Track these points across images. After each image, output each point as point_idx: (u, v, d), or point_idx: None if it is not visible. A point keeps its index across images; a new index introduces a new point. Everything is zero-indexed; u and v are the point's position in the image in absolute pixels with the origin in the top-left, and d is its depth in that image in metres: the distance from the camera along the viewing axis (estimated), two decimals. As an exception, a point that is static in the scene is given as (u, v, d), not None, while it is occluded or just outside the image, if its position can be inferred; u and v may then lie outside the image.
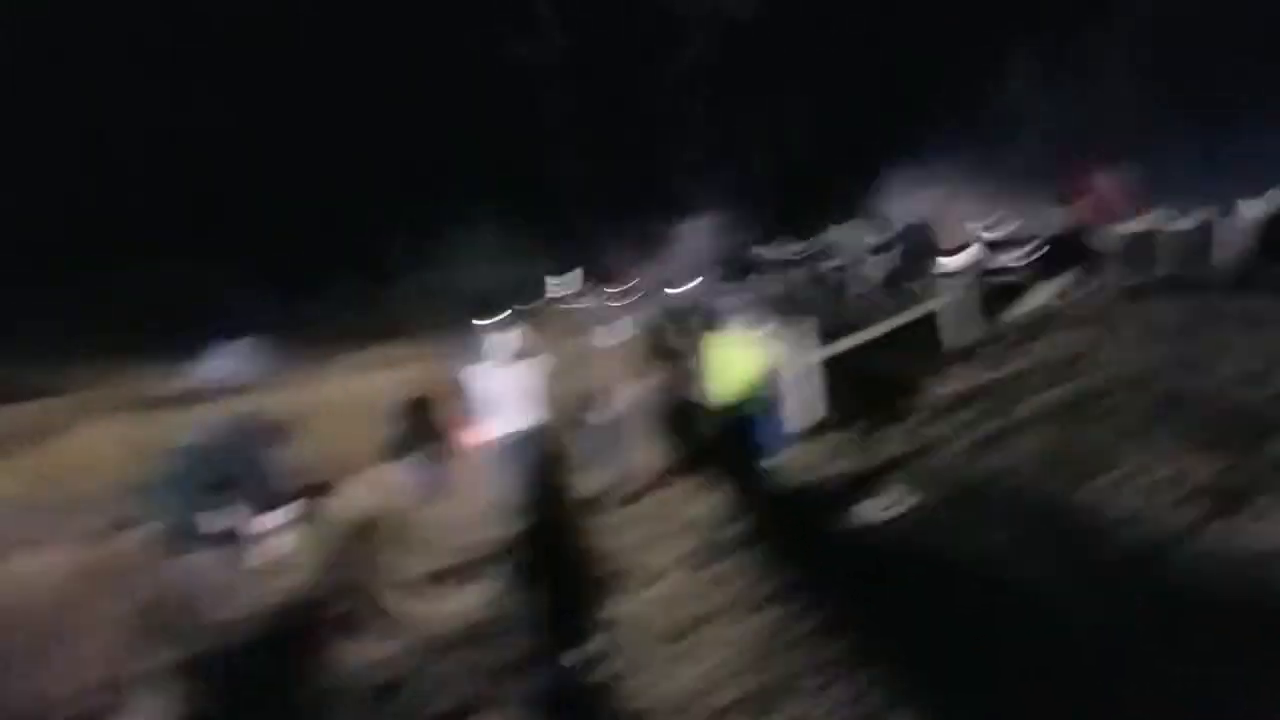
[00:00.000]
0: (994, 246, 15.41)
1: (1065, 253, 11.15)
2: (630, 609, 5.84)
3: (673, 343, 22.41)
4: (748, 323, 8.03)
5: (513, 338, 8.48)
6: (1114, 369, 7.41)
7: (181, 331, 54.97)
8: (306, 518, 8.35)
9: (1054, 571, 4.71)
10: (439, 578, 7.11)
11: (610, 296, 38.75)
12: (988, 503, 5.93)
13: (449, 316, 52.89)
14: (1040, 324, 9.81)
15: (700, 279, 25.22)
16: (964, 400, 8.23)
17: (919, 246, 17.78)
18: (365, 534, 8.74)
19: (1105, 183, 10.90)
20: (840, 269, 18.03)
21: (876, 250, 18.58)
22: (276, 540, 8.31)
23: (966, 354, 9.94)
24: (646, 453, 10.55)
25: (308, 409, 26.60)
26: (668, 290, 30.64)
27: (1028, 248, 13.50)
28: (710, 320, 8.15)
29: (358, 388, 26.14)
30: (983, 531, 5.46)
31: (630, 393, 9.59)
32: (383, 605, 6.70)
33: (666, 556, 6.63)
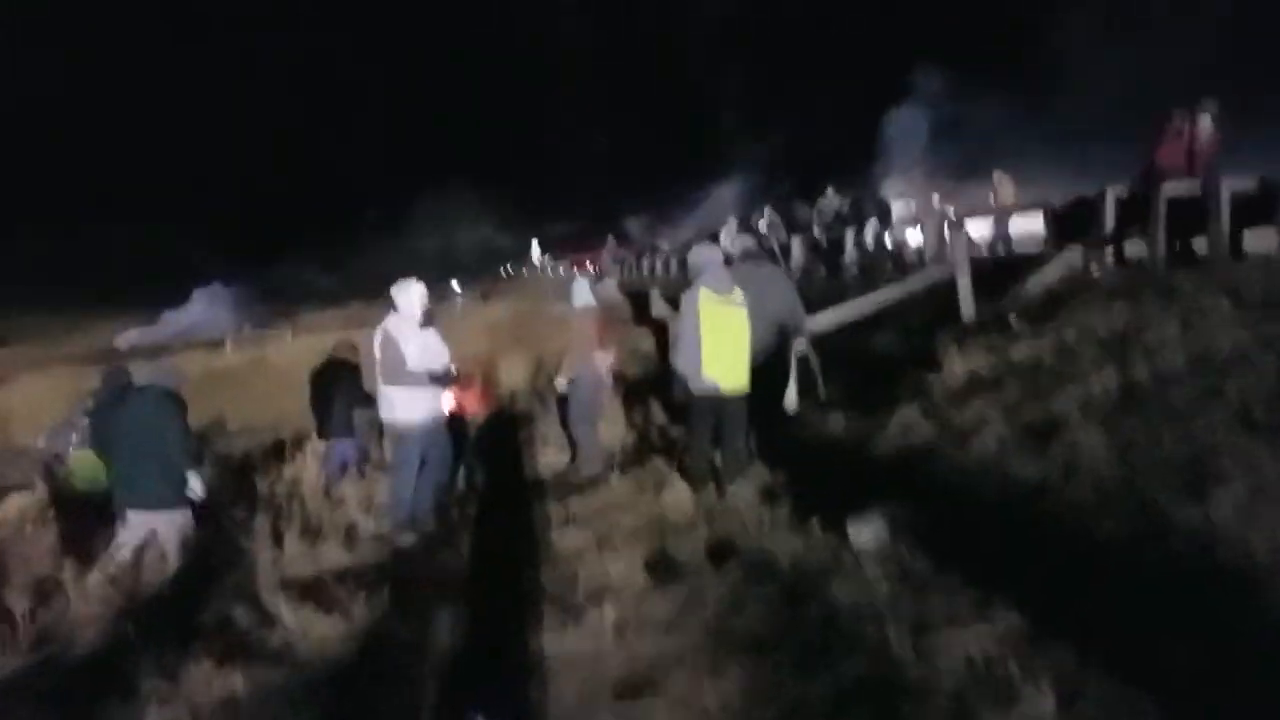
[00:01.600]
0: (1000, 217, 14.00)
1: (1097, 217, 9.67)
2: (573, 644, 4.40)
3: (656, 308, 20.83)
4: (727, 287, 6.57)
5: (416, 297, 7.01)
6: (1168, 351, 6.00)
7: (145, 287, 53.58)
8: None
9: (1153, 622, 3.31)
10: (324, 584, 5.58)
11: (584, 261, 37.15)
12: (1035, 512, 4.55)
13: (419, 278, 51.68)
14: (1069, 297, 8.39)
15: (693, 241, 23.73)
16: (988, 382, 6.83)
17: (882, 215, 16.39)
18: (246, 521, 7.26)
19: (1192, 128, 9.33)
20: (833, 237, 16.37)
21: (845, 219, 17.07)
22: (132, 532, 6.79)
23: (982, 328, 8.54)
24: (614, 430, 9.15)
25: (243, 369, 25.26)
26: (657, 253, 29.11)
27: (1041, 214, 12.10)
28: (687, 283, 6.76)
29: (298, 349, 24.84)
30: (1040, 551, 4.07)
31: (599, 361, 8.13)
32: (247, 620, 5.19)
33: (626, 567, 5.21)
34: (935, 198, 17.68)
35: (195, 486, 6.76)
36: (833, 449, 6.75)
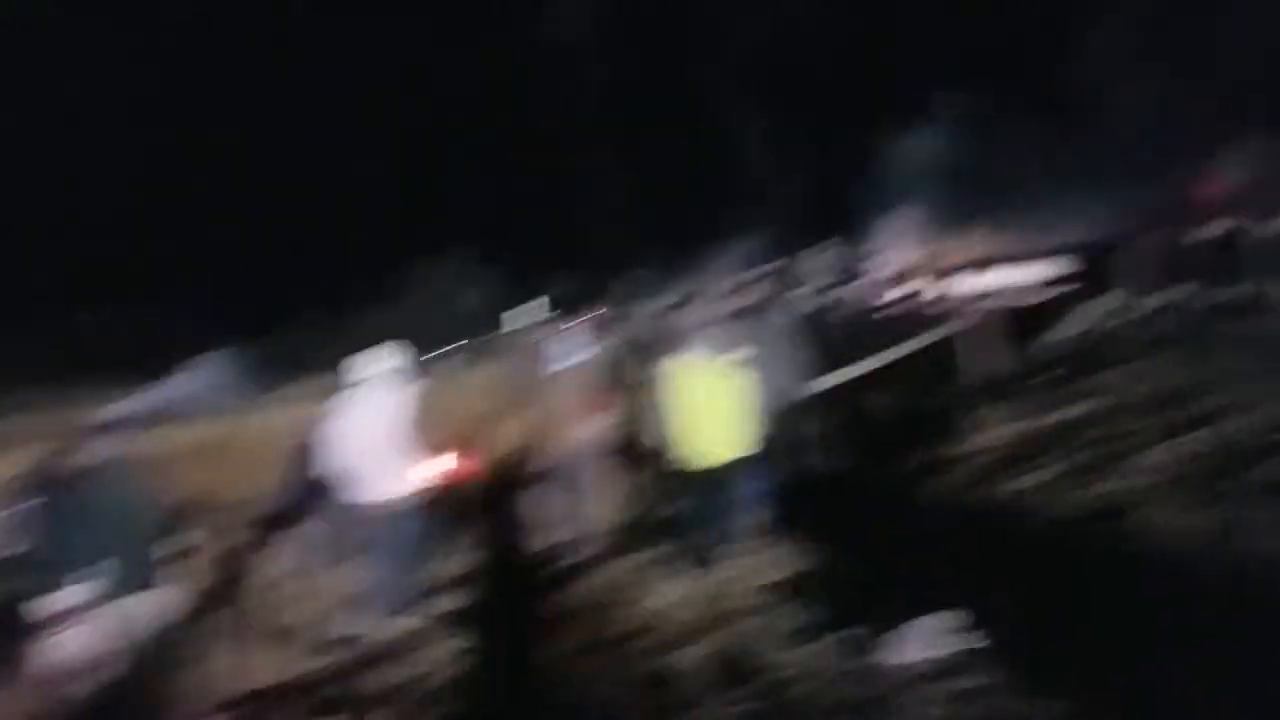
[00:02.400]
0: (1005, 263, 13.21)
1: (1120, 264, 8.82)
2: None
3: (633, 375, 19.88)
4: (722, 349, 5.74)
5: (386, 366, 6.05)
6: (1238, 410, 5.09)
7: (131, 364, 52.88)
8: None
9: None
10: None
11: (575, 326, 36.47)
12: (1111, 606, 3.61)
13: (409, 348, 51.15)
14: (1106, 347, 7.49)
15: (676, 301, 22.78)
16: (1022, 449, 5.90)
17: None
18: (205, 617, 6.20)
19: (1220, 177, 8.58)
20: (818, 292, 15.50)
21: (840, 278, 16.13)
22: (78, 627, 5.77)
23: (1001, 389, 7.62)
24: (599, 512, 8.15)
25: (220, 442, 24.37)
26: (642, 316, 28.32)
27: (1058, 262, 11.28)
28: (679, 346, 5.96)
29: (277, 422, 23.93)
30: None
31: (585, 434, 7.12)
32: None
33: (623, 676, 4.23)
34: (935, 246, 16.93)
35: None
36: (860, 529, 5.77)
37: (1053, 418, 6.25)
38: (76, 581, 5.69)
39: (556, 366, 7.20)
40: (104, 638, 5.66)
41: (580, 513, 7.27)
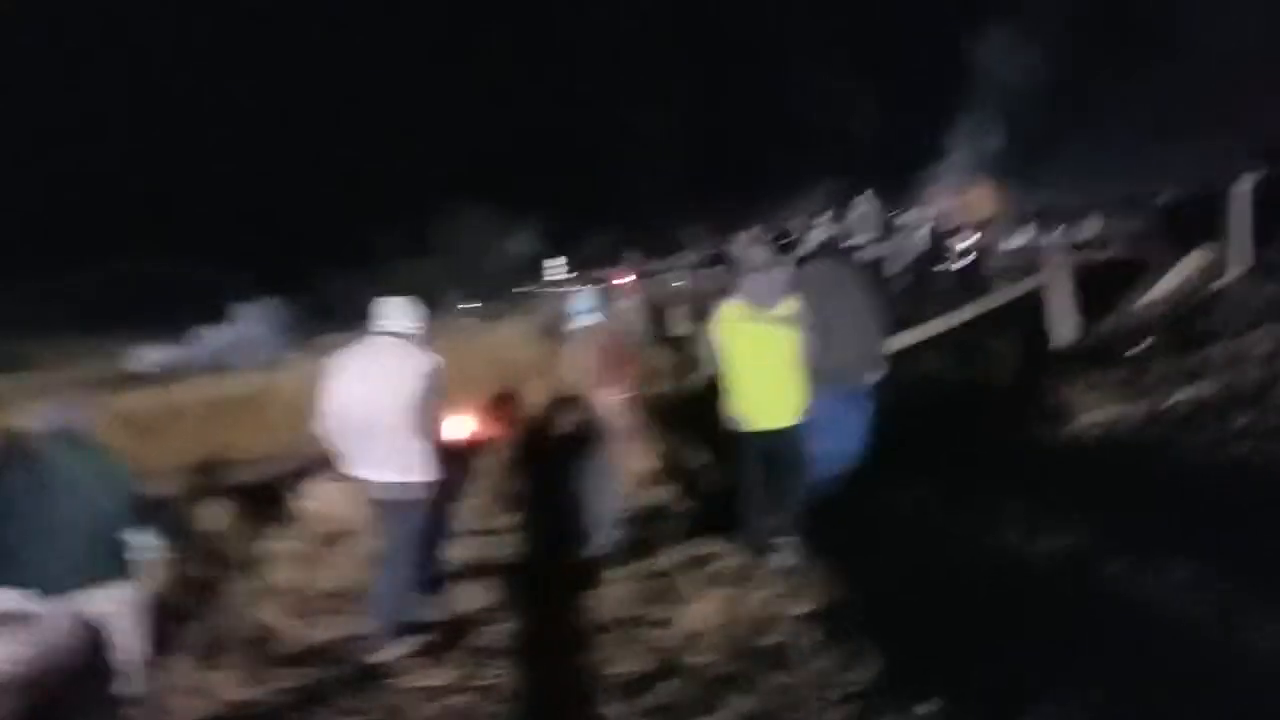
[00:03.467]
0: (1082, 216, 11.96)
1: (1226, 212, 7.56)
2: None
3: (674, 330, 18.71)
4: (777, 302, 4.66)
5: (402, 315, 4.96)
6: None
7: (163, 318, 52.49)
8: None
9: None
10: None
11: (611, 278, 35.17)
12: None
13: (433, 302, 49.93)
14: (1203, 315, 6.40)
15: (724, 250, 21.25)
16: (1137, 436, 4.88)
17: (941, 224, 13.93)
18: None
19: None
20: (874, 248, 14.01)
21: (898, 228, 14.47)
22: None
23: (1097, 359, 6.57)
24: (633, 480, 7.22)
25: (250, 396, 23.74)
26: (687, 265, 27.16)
27: (1143, 214, 10.04)
28: (729, 298, 4.93)
29: (308, 375, 23.04)
30: None
31: (607, 399, 6.12)
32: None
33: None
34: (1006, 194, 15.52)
35: (147, 544, 4.82)
36: (926, 544, 4.72)
37: (1154, 402, 5.20)
38: (18, 575, 4.90)
39: (588, 321, 6.23)
40: (41, 644, 4.87)
41: (611, 483, 6.37)
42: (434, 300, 45.86)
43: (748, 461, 4.77)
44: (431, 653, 4.30)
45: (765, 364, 4.62)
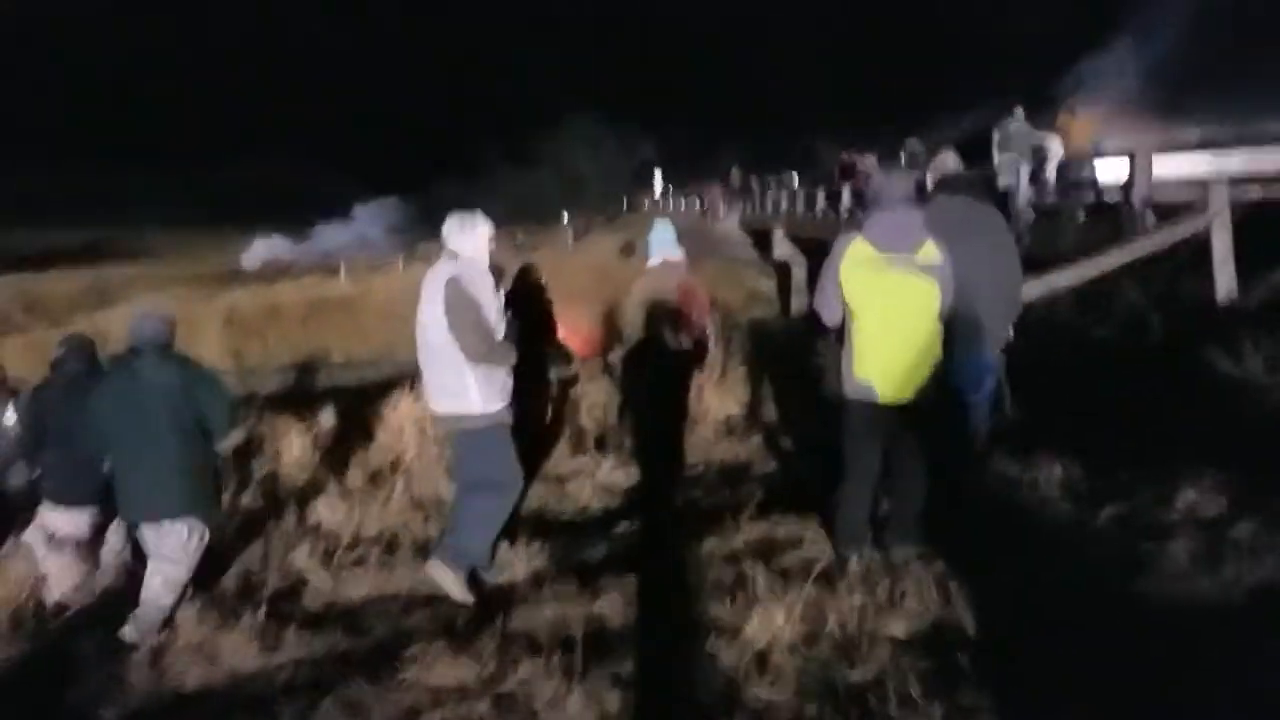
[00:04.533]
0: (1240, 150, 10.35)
1: None
2: None
3: (780, 250, 17.43)
4: (914, 243, 3.64)
5: (485, 240, 4.25)
6: None
7: (282, 216, 53.63)
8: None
9: None
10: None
11: (707, 196, 33.76)
12: None
13: (539, 214, 49.30)
14: None
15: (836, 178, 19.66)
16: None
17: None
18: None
19: None
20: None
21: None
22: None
23: (1263, 315, 5.43)
24: (705, 429, 6.45)
25: (352, 299, 23.77)
26: (783, 187, 25.73)
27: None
28: (847, 236, 3.83)
29: (408, 280, 22.87)
30: None
31: (676, 340, 5.32)
32: None
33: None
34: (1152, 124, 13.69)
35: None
36: (1070, 549, 3.77)
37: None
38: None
39: (664, 256, 5.40)
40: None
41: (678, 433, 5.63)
42: (541, 212, 45.54)
43: (860, 439, 3.78)
44: (458, 636, 3.66)
45: (899, 323, 3.62)
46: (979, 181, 5.51)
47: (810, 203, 21.12)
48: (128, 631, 3.99)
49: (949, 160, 4.47)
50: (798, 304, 16.68)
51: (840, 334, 3.74)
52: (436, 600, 4.11)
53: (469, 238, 4.17)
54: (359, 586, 4.38)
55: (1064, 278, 6.27)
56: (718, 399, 6.90)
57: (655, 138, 57.22)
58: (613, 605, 3.74)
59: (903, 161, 14.29)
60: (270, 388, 12.65)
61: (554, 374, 6.21)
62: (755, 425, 6.56)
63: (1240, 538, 3.17)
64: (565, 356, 6.34)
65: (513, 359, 4.15)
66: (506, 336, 4.17)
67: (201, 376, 4.45)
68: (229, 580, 4.53)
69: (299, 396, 10.36)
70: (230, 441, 4.63)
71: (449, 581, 4.08)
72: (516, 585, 4.19)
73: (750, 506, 4.49)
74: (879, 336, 3.63)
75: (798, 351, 7.43)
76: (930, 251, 3.59)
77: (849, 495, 3.81)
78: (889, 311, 3.61)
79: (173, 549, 4.24)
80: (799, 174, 27.43)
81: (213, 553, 4.49)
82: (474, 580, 4.18)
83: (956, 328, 3.73)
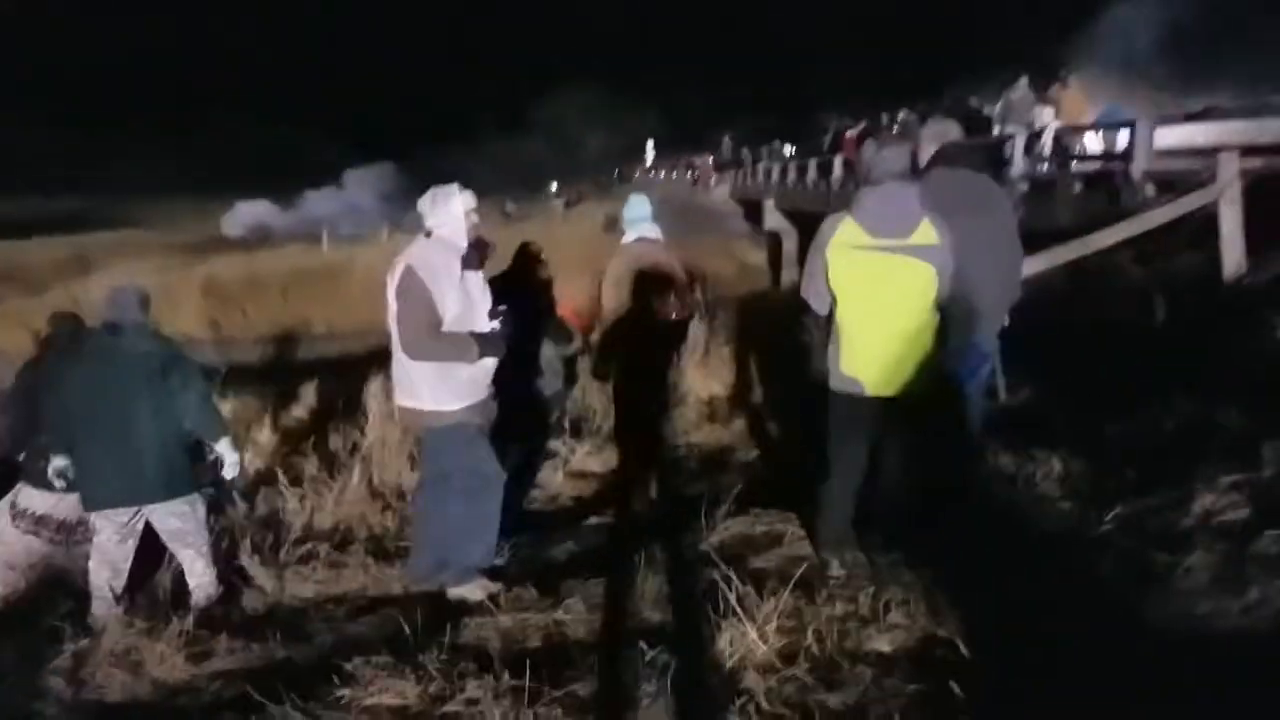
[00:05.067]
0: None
1: None
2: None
3: (770, 220, 17.04)
4: (909, 223, 3.23)
5: (462, 213, 3.78)
6: None
7: (268, 182, 52.75)
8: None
9: None
10: None
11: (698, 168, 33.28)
12: None
13: (531, 181, 48.67)
14: None
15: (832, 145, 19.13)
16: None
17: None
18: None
19: None
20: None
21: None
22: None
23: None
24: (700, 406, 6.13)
25: (334, 269, 23.35)
26: (774, 157, 25.24)
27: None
28: (841, 213, 3.41)
29: (391, 251, 22.22)
30: None
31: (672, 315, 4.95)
32: None
33: None
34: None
35: (227, 460, 4.31)
36: (1077, 554, 3.38)
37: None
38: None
39: (639, 233, 5.00)
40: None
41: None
42: (535, 181, 44.98)
43: (846, 434, 3.42)
44: (404, 647, 3.34)
45: (889, 312, 3.25)
46: (980, 152, 5.01)
47: (802, 174, 20.70)
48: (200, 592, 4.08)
49: (949, 129, 4.03)
50: (788, 277, 16.36)
51: (829, 319, 3.38)
52: (385, 604, 3.80)
53: (442, 213, 3.75)
54: (304, 587, 4.06)
55: (1063, 253, 5.91)
56: (701, 380, 6.59)
57: (655, 108, 56.63)
58: (575, 614, 3.40)
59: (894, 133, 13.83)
60: (249, 359, 12.36)
61: (557, 352, 5.83)
62: (739, 407, 6.24)
63: (1266, 551, 2.85)
64: (567, 334, 5.94)
65: (473, 355, 3.68)
66: (497, 326, 3.80)
67: (179, 359, 4.17)
68: (162, 579, 4.18)
69: (268, 372, 10.03)
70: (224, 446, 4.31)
71: (469, 591, 3.80)
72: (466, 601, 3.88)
73: (729, 499, 4.17)
74: (867, 326, 3.25)
75: (786, 328, 7.08)
76: (927, 232, 3.18)
77: (832, 494, 3.44)
78: (878, 299, 3.23)
79: (196, 526, 4.12)
80: (792, 145, 27.00)
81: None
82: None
83: (952, 313, 3.36)
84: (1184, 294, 5.94)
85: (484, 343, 3.73)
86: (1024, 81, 11.88)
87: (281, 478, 5.11)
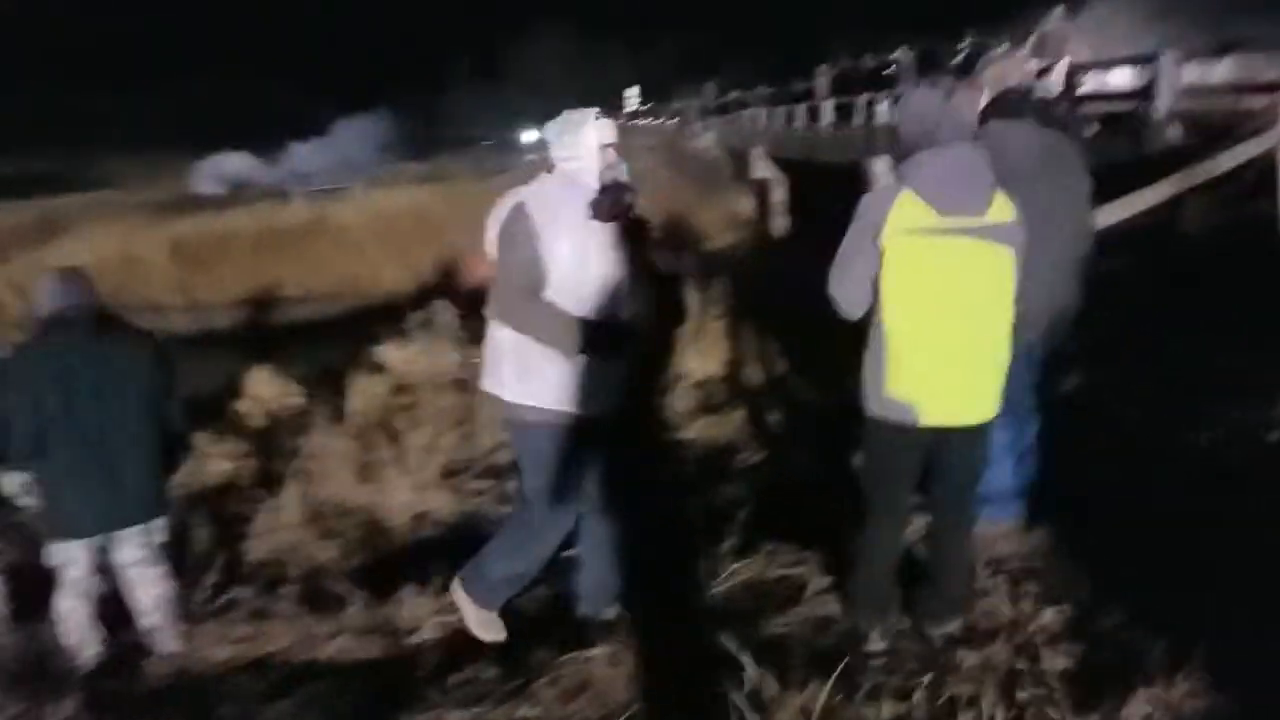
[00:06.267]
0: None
1: None
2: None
3: (758, 169, 16.05)
4: (983, 197, 2.39)
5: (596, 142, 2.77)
6: None
7: (243, 136, 50.93)
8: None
9: None
10: None
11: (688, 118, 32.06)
12: None
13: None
14: None
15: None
16: None
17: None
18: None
19: None
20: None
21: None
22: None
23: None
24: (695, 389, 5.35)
25: (306, 227, 22.30)
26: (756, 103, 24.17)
27: None
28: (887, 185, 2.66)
29: (367, 207, 21.25)
30: None
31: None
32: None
33: None
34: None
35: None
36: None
37: None
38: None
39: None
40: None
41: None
42: (508, 128, 43.55)
43: (891, 474, 2.62)
44: None
45: (963, 312, 2.39)
46: (1054, 104, 4.09)
47: (790, 119, 19.75)
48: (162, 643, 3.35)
49: (1011, 69, 3.11)
50: (779, 227, 15.56)
51: (864, 324, 2.54)
52: (314, 675, 3.04)
53: (571, 143, 2.84)
54: (219, 648, 3.28)
55: (1113, 211, 5.08)
56: (697, 359, 5.78)
57: (645, 53, 55.19)
58: (542, 707, 2.63)
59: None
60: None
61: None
62: (739, 392, 5.45)
63: None
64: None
65: (569, 346, 2.72)
66: (609, 305, 2.85)
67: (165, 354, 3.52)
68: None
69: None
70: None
71: (467, 614, 3.09)
72: (422, 651, 3.11)
73: (734, 526, 3.41)
74: (931, 333, 2.40)
75: (785, 289, 6.22)
76: (1003, 207, 2.38)
77: (872, 547, 2.66)
78: (951, 298, 2.38)
79: (157, 549, 3.43)
80: (779, 89, 25.86)
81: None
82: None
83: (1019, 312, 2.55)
84: (1241, 251, 5.19)
85: (594, 334, 2.77)
86: (1059, 11, 10.74)
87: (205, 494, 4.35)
